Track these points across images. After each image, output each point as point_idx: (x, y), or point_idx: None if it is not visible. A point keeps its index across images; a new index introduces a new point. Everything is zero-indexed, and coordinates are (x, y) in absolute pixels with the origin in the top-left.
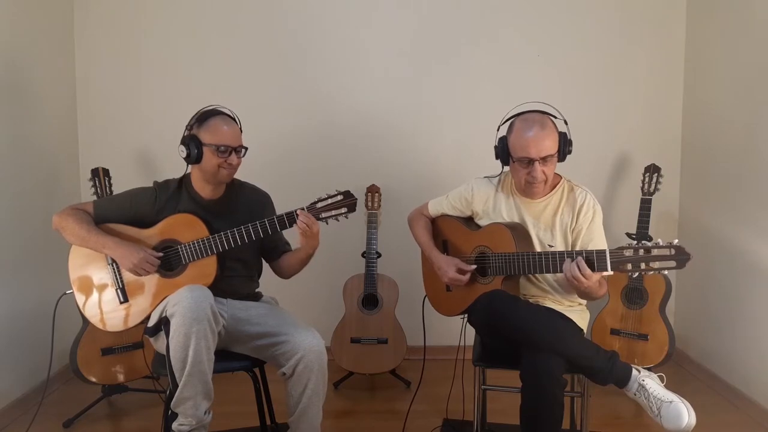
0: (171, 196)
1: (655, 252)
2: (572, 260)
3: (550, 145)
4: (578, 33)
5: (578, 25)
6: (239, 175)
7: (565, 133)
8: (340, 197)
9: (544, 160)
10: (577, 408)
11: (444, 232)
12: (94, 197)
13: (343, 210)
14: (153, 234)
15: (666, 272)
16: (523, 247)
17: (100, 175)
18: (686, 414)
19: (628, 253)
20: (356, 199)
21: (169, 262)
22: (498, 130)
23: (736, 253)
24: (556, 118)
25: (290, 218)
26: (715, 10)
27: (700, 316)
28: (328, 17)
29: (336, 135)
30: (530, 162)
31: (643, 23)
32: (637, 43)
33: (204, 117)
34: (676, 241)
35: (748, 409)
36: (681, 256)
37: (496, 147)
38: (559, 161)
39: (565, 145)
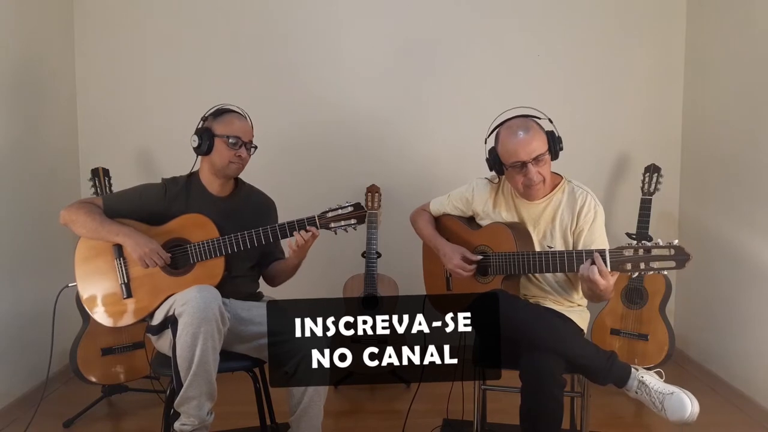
0: (180, 190)
1: (654, 252)
2: (591, 262)
3: (539, 145)
4: (578, 33)
5: (578, 25)
6: (244, 177)
7: (552, 132)
8: (350, 208)
9: (536, 160)
10: (577, 408)
11: (445, 231)
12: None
13: (353, 221)
14: (162, 232)
15: (666, 272)
16: (524, 246)
17: (100, 175)
18: (689, 403)
19: (628, 252)
20: (366, 211)
21: (176, 260)
22: (485, 142)
23: (736, 253)
24: (539, 119)
25: (301, 225)
26: (716, 9)
27: (700, 316)
28: (329, 18)
29: (336, 135)
30: (523, 165)
31: (644, 23)
32: (637, 43)
33: (219, 112)
34: (675, 241)
35: (748, 409)
36: (680, 256)
37: (487, 159)
38: (552, 159)
39: (554, 143)
